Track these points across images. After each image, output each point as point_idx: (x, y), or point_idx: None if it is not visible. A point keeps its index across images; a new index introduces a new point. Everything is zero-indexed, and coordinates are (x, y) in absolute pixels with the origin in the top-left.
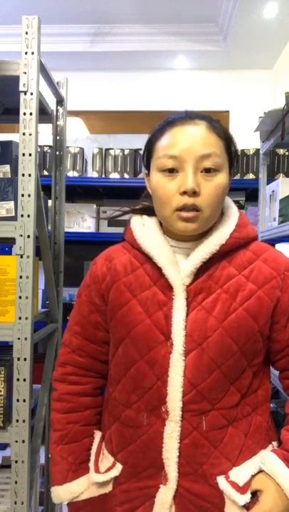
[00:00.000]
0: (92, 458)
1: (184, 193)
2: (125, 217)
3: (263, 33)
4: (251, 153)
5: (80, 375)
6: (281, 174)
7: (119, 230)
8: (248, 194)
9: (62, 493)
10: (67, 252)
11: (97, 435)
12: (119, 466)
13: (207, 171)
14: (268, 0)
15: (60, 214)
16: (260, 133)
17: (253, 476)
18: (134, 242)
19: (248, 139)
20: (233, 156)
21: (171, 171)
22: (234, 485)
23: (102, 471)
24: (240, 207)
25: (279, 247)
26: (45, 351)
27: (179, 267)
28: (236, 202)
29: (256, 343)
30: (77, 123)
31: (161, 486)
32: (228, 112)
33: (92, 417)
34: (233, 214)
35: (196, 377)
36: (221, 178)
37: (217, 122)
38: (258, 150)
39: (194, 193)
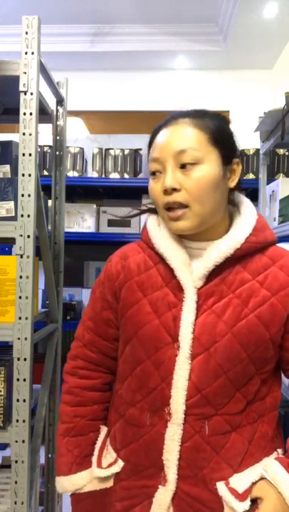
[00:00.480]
0: (96, 453)
1: (166, 191)
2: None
3: (263, 33)
4: (251, 153)
5: (91, 370)
6: (281, 174)
7: (119, 230)
8: (248, 194)
9: (67, 484)
10: (67, 252)
11: (103, 430)
12: (120, 463)
13: (185, 166)
14: (268, 0)
15: (60, 214)
16: (260, 133)
17: (254, 484)
18: (149, 242)
19: (248, 139)
20: (228, 147)
21: (156, 173)
22: (233, 492)
23: (104, 467)
24: None
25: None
26: (45, 351)
27: (192, 268)
28: None
29: (267, 351)
30: (77, 123)
31: (160, 486)
32: (228, 112)
33: (99, 412)
34: (252, 217)
35: (201, 381)
36: (203, 171)
37: (206, 115)
38: (258, 150)
39: (175, 190)
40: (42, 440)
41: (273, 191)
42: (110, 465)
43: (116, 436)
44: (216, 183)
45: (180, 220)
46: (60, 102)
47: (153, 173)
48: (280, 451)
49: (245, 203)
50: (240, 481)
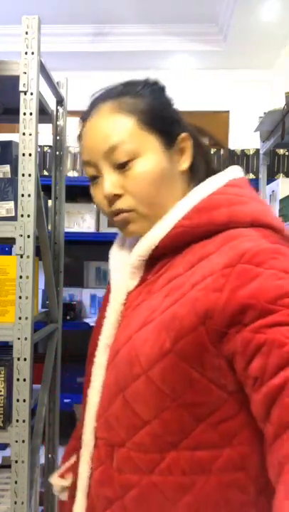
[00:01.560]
0: (71, 461)
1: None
2: None
3: (263, 33)
4: (251, 153)
5: None
6: (281, 174)
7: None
8: None
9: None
10: (67, 252)
11: None
12: (70, 479)
13: (120, 166)
14: (267, 0)
15: (60, 214)
16: (260, 133)
17: None
18: None
19: (248, 139)
20: (168, 123)
21: (94, 178)
22: None
23: (66, 477)
24: None
25: None
26: (45, 351)
27: None
28: None
29: (178, 370)
30: (77, 123)
31: None
32: (228, 112)
33: None
34: (197, 194)
35: (106, 398)
36: (142, 165)
37: (129, 90)
38: (258, 150)
39: (117, 196)
40: (42, 440)
41: (273, 191)
42: (67, 478)
43: None
44: (162, 175)
45: (127, 225)
46: (60, 102)
47: (93, 178)
48: None
49: (209, 178)
50: None
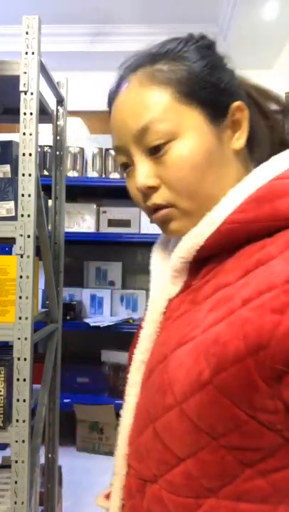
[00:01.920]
0: None
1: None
2: (125, 217)
3: (263, 33)
4: None
5: None
6: None
7: (119, 230)
8: None
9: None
10: (67, 252)
11: None
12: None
13: (154, 150)
14: (268, 0)
15: (60, 214)
16: None
17: None
18: None
19: None
20: (216, 91)
21: (125, 166)
22: None
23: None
24: None
25: None
26: (45, 351)
27: None
28: None
29: (219, 407)
30: (77, 123)
31: None
32: None
33: None
34: (250, 181)
35: (138, 424)
36: (181, 147)
37: (165, 52)
38: None
39: (152, 188)
40: (42, 440)
41: None
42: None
43: None
44: (208, 159)
45: (168, 223)
46: (60, 102)
47: (123, 166)
48: None
49: (274, 157)
50: None
